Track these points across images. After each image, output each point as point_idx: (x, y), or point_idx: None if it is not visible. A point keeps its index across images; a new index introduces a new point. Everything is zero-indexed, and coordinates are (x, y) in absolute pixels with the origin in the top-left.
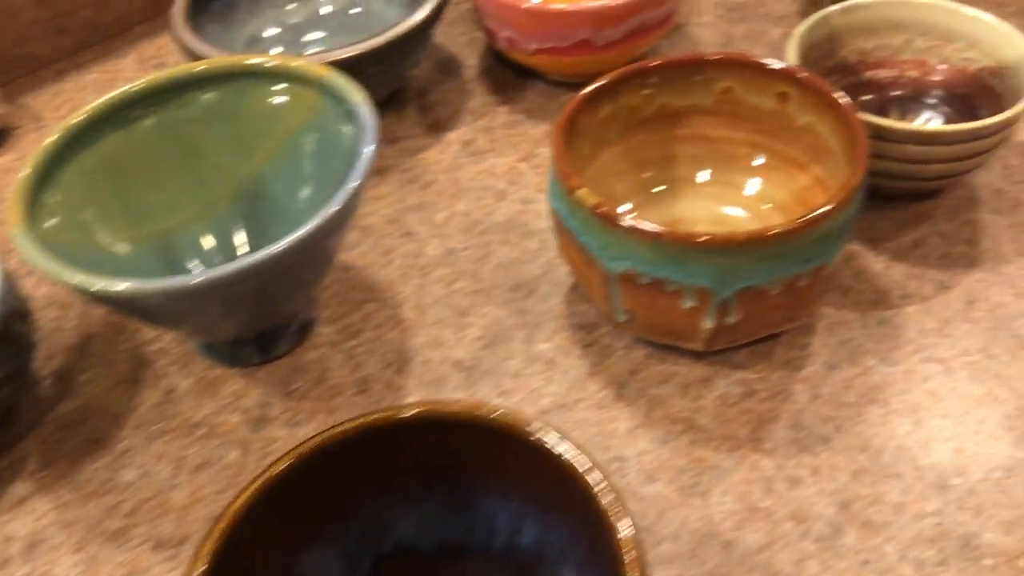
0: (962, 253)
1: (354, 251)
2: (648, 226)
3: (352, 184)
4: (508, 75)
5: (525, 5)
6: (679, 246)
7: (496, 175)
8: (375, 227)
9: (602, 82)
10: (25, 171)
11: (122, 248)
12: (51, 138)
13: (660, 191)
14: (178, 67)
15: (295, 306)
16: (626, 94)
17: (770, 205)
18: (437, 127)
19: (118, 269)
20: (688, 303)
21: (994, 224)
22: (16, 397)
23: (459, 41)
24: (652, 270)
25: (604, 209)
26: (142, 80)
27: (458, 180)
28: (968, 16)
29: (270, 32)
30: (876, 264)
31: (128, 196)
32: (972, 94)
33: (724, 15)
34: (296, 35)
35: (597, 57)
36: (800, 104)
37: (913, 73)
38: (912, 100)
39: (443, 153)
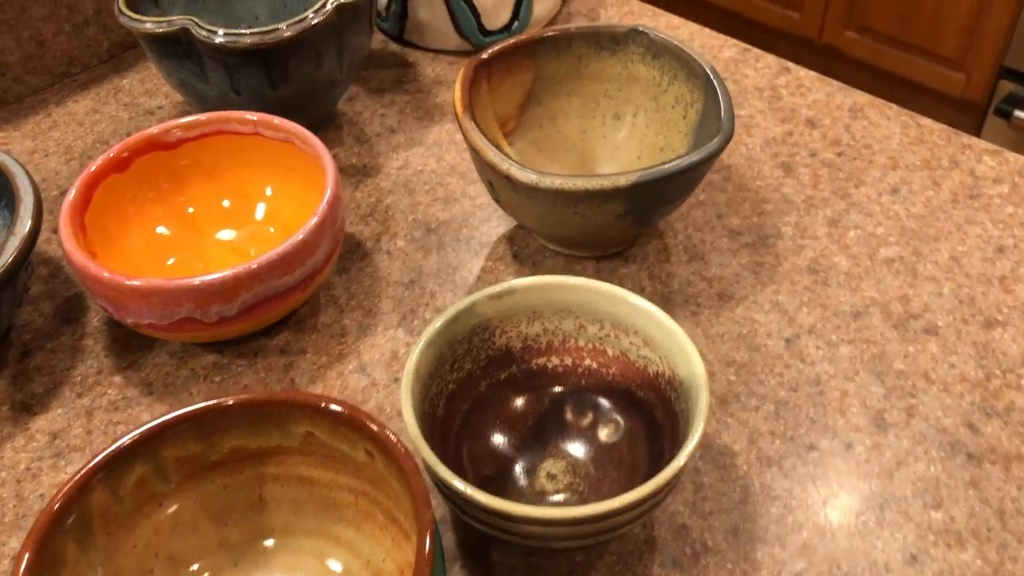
0: None
1: None
2: None
3: None
4: None
5: (104, 276)
6: None
7: None
8: None
9: (110, 453)
10: None
11: None
12: None
13: (249, 549)
14: None
15: None
16: (168, 447)
17: None
18: (27, 408)
19: None
20: None
21: None
22: None
23: None
24: None
25: None
26: None
27: (25, 500)
28: (639, 308)
29: None
30: None
31: None
32: (653, 402)
33: (420, 239)
34: None
35: (215, 332)
36: (386, 466)
37: (591, 363)
38: (589, 396)
39: (21, 452)
